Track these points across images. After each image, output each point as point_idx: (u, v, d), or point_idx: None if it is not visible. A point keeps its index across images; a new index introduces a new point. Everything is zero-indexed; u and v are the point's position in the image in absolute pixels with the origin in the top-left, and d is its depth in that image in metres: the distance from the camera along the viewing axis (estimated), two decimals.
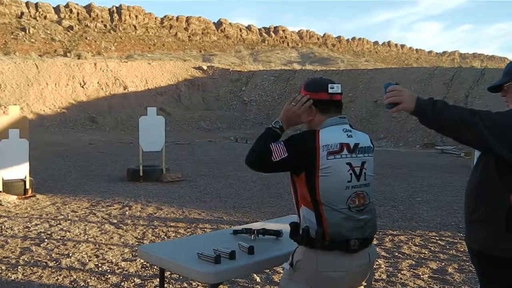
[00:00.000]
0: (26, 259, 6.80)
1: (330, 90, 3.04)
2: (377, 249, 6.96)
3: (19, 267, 6.46)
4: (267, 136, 3.00)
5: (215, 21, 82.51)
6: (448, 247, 7.64)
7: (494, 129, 2.67)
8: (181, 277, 5.95)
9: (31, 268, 6.43)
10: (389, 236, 8.22)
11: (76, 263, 6.67)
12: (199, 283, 5.77)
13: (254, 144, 3.02)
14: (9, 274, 6.20)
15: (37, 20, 65.36)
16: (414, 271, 6.50)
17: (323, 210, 2.85)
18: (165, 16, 78.39)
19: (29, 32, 62.17)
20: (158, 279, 5.07)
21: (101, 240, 7.86)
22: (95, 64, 38.33)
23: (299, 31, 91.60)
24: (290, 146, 2.91)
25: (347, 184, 2.91)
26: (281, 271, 5.23)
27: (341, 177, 2.90)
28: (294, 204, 3.05)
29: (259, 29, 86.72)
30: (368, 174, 3.04)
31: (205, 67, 43.75)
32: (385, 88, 2.85)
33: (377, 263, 6.57)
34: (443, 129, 2.77)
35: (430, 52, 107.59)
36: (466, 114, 2.68)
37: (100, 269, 6.46)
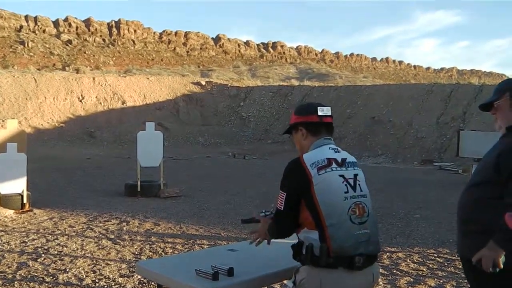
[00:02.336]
0: (22, 274, 6.77)
1: (319, 113, 3.16)
2: None
3: (16, 282, 6.43)
4: (270, 227, 3.26)
5: (214, 37, 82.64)
6: (446, 264, 7.62)
7: None
8: None
9: (28, 283, 6.40)
10: (387, 253, 8.19)
11: (73, 278, 6.64)
12: None
13: (273, 230, 3.25)
14: None
15: (36, 34, 65.43)
16: None
17: (327, 227, 2.87)
18: (163, 31, 78.52)
19: (28, 45, 62.20)
20: None
21: (98, 255, 7.83)
22: (93, 79, 38.36)
23: (297, 47, 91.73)
24: (284, 185, 3.04)
25: (344, 195, 2.96)
26: None
27: (337, 188, 2.95)
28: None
29: (258, 45, 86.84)
30: (363, 186, 3.10)
31: (203, 82, 43.78)
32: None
33: None
34: None
35: (428, 68, 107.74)
36: None
37: (97, 284, 6.43)
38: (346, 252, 2.88)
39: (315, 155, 3.00)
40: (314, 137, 3.12)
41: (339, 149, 3.14)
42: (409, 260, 7.85)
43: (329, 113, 3.17)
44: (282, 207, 3.00)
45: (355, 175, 3.07)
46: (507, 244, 2.80)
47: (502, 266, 2.81)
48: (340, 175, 2.98)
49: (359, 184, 3.06)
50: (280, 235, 3.22)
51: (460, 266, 7.33)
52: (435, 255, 8.19)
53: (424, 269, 7.35)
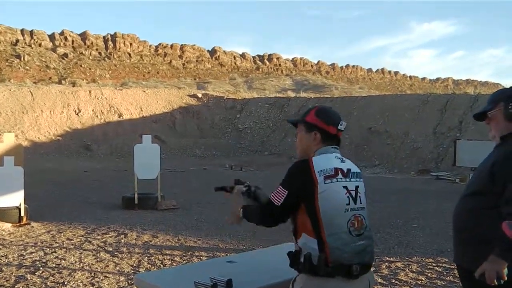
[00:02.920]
0: (21, 287, 6.75)
1: (339, 127, 3.14)
2: (374, 276, 6.95)
3: None
4: (250, 210, 3.36)
5: (209, 49, 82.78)
6: (445, 273, 7.62)
7: None
8: None
9: None
10: (386, 263, 8.19)
11: None
12: None
13: (255, 217, 3.31)
14: None
15: (32, 48, 65.45)
16: None
17: (325, 235, 2.87)
18: (159, 44, 78.59)
19: (24, 59, 62.20)
20: None
21: (96, 268, 7.81)
22: (90, 92, 38.41)
23: (293, 58, 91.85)
24: (287, 183, 3.00)
25: (346, 207, 2.94)
26: None
27: (340, 199, 2.94)
28: (292, 233, 3.07)
29: (253, 57, 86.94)
30: (363, 198, 3.09)
31: (199, 95, 43.85)
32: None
33: None
34: None
35: (423, 78, 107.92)
36: None
37: None
38: (344, 261, 2.88)
39: (324, 162, 2.97)
40: (324, 144, 3.11)
41: (344, 158, 3.12)
42: (408, 269, 7.85)
43: (343, 129, 3.16)
44: (279, 203, 2.99)
45: (357, 187, 3.06)
46: (508, 254, 2.81)
47: (506, 278, 2.81)
48: (344, 186, 2.97)
49: (359, 196, 3.05)
50: (260, 223, 3.25)
51: (458, 275, 7.34)
52: (434, 264, 8.20)
53: (423, 279, 7.34)
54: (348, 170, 3.05)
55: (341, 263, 2.87)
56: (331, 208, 2.88)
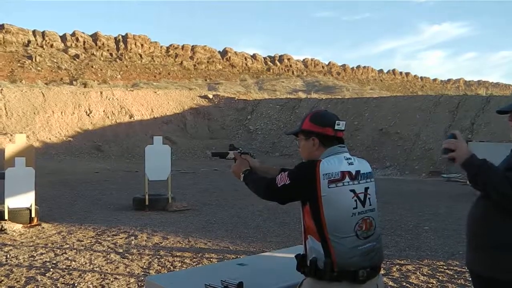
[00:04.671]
0: None
1: (336, 127, 3.10)
2: (385, 279, 6.91)
3: None
4: (253, 178, 3.40)
5: (220, 50, 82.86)
6: (456, 276, 7.57)
7: None
8: None
9: None
10: (397, 266, 8.15)
11: None
12: None
13: (254, 185, 3.36)
14: None
15: (43, 49, 65.74)
16: None
17: (330, 241, 2.85)
18: (170, 45, 78.76)
19: (35, 60, 62.49)
20: None
21: (106, 269, 7.82)
22: (101, 93, 38.51)
23: (304, 59, 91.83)
24: (292, 174, 3.00)
25: (353, 211, 2.92)
26: None
27: (346, 204, 2.91)
28: (302, 235, 3.05)
29: (264, 58, 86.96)
30: (373, 200, 3.07)
31: (210, 96, 43.88)
32: (449, 137, 2.93)
33: None
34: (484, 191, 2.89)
35: (435, 80, 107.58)
36: (507, 189, 2.74)
37: None
38: (350, 266, 2.86)
39: (331, 165, 2.94)
40: (324, 147, 3.08)
41: (354, 158, 3.09)
42: (419, 272, 7.81)
43: (344, 128, 3.13)
44: (280, 186, 3.01)
45: (366, 189, 3.03)
46: (468, 169, 2.84)
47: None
48: (351, 190, 2.94)
49: (369, 198, 3.02)
50: (255, 192, 3.30)
51: (470, 279, 7.29)
52: (445, 267, 8.15)
53: (434, 282, 7.30)
54: (357, 172, 3.02)
55: (347, 268, 2.85)
56: (335, 212, 2.86)
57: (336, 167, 2.94)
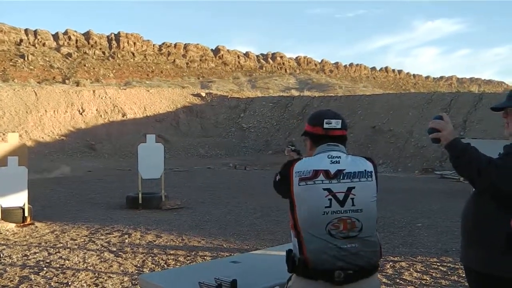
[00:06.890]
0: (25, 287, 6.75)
1: (325, 126, 3.07)
2: (378, 275, 6.92)
3: None
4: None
5: (213, 48, 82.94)
6: (449, 273, 7.59)
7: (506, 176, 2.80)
8: None
9: None
10: (390, 263, 8.17)
11: None
12: None
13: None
14: None
15: (36, 47, 65.65)
16: None
17: (303, 238, 2.86)
18: (163, 43, 78.79)
19: (28, 59, 62.40)
20: None
21: (100, 268, 7.81)
22: (93, 91, 38.45)
23: (296, 57, 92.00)
24: (280, 172, 3.07)
25: (325, 209, 2.85)
26: None
27: (317, 202, 2.86)
28: None
29: (257, 56, 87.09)
30: (360, 200, 2.93)
31: (203, 94, 43.88)
32: (436, 118, 3.02)
33: None
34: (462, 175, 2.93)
35: (427, 77, 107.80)
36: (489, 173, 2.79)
37: None
38: (323, 265, 2.82)
39: (306, 163, 2.96)
40: (316, 146, 3.07)
41: (347, 156, 3.02)
42: (412, 269, 7.83)
43: (338, 126, 3.09)
44: (275, 182, 3.11)
45: (349, 188, 2.92)
46: (451, 150, 2.90)
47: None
48: (326, 189, 2.88)
49: (352, 199, 2.90)
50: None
51: (464, 275, 7.32)
52: (438, 264, 8.17)
53: (428, 278, 7.32)
54: (339, 171, 2.92)
55: (320, 267, 2.82)
56: (305, 209, 2.86)
57: (310, 166, 2.92)
